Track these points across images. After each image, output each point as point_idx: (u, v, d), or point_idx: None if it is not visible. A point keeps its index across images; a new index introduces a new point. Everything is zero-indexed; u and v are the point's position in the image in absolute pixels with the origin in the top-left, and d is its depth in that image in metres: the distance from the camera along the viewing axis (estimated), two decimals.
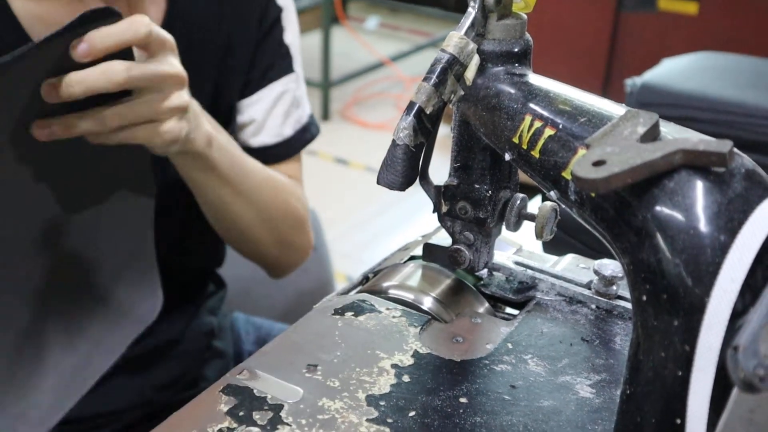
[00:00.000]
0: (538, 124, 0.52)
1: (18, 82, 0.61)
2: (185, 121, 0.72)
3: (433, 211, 0.66)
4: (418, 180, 0.63)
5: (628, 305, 0.68)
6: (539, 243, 0.91)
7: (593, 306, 0.69)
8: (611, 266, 0.68)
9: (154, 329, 0.92)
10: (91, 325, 0.78)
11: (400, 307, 0.67)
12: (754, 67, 1.36)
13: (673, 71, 1.34)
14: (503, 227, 0.66)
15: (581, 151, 0.48)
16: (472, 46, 0.57)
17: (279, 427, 0.54)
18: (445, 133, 0.56)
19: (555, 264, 0.75)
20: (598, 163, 0.41)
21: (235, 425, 0.54)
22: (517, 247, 0.78)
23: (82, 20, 0.60)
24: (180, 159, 0.78)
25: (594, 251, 0.88)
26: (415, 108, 0.56)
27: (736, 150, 0.42)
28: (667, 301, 0.42)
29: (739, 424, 0.40)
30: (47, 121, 0.64)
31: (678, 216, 0.41)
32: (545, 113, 0.53)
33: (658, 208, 0.42)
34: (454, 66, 0.57)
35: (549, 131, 0.51)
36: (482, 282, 0.71)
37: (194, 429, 0.54)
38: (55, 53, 0.61)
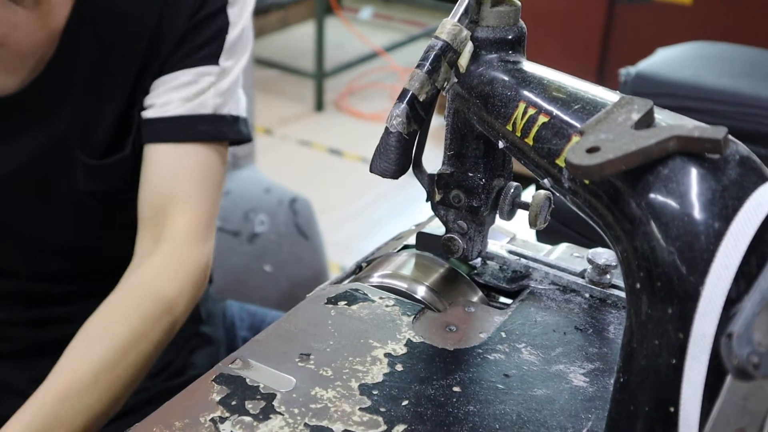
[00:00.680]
0: (531, 111, 0.52)
1: None
2: None
3: (427, 200, 0.66)
4: (411, 168, 0.62)
5: (622, 294, 0.68)
6: (533, 232, 0.91)
7: (587, 295, 0.69)
8: (605, 255, 0.68)
9: None
10: None
11: (393, 296, 0.67)
12: (748, 57, 1.36)
13: (668, 60, 1.34)
14: (497, 216, 0.66)
15: (575, 138, 0.48)
16: (466, 33, 0.57)
17: (271, 416, 0.54)
18: (438, 122, 0.56)
19: (549, 253, 0.75)
20: (592, 150, 0.41)
21: (227, 414, 0.54)
22: (511, 236, 0.78)
23: None
24: None
25: (588, 240, 0.88)
26: (408, 95, 0.56)
27: (730, 137, 0.42)
28: (661, 288, 0.42)
29: (733, 411, 0.40)
30: None
31: (672, 203, 0.41)
32: (539, 100, 0.52)
33: (652, 195, 0.42)
34: (447, 53, 0.56)
35: (543, 118, 0.51)
36: (476, 271, 0.71)
37: (186, 418, 0.54)
38: None
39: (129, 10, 0.81)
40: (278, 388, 0.56)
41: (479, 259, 0.72)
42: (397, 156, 0.57)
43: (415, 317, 0.64)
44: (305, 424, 0.53)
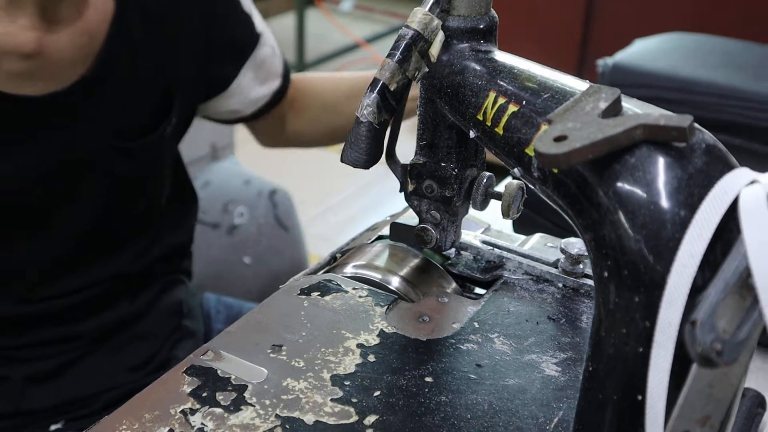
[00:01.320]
0: (501, 100, 0.52)
1: None
2: None
3: (400, 190, 0.65)
4: (384, 158, 0.62)
5: None
6: (509, 222, 0.91)
7: (560, 285, 0.69)
8: (578, 245, 0.68)
9: (118, 305, 0.91)
10: None
11: (366, 286, 0.66)
12: (724, 48, 1.37)
13: (645, 51, 1.34)
14: (470, 206, 0.66)
15: (543, 127, 0.48)
16: (437, 22, 0.56)
17: (242, 407, 0.53)
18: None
19: (522, 243, 0.75)
20: (559, 139, 0.41)
21: (198, 406, 0.53)
22: (485, 227, 0.78)
23: None
24: None
25: (563, 230, 0.88)
26: (379, 84, 0.56)
27: (696, 125, 0.42)
28: (629, 277, 0.42)
29: (698, 399, 0.40)
30: None
31: (639, 191, 0.41)
32: (509, 90, 0.52)
33: (619, 183, 0.42)
34: (418, 42, 0.56)
35: (512, 107, 0.51)
36: (449, 261, 0.71)
37: (156, 410, 0.53)
38: None
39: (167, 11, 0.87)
40: (250, 379, 0.56)
41: (453, 250, 0.72)
42: (368, 146, 0.57)
43: (388, 308, 0.64)
44: (276, 416, 0.53)
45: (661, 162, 0.41)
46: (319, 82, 1.08)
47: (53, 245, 0.86)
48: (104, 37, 0.82)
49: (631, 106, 0.45)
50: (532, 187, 0.51)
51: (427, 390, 0.56)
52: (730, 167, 0.41)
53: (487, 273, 0.70)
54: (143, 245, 0.94)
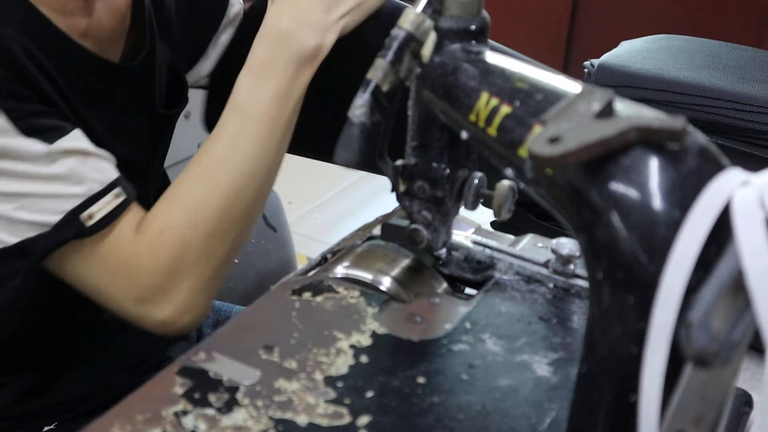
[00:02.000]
0: (494, 102, 0.52)
1: None
2: None
3: (392, 191, 0.65)
4: (376, 159, 0.62)
5: (586, 284, 0.69)
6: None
7: (551, 285, 0.69)
8: (569, 245, 0.68)
9: None
10: None
11: (358, 287, 0.66)
12: (708, 50, 1.38)
13: (631, 53, 1.35)
14: (461, 207, 0.66)
15: (537, 129, 0.48)
16: (429, 22, 0.56)
17: (235, 409, 0.53)
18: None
19: (513, 243, 0.75)
20: (553, 140, 0.41)
21: (190, 407, 0.53)
22: (476, 227, 0.78)
23: None
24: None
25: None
26: (372, 85, 0.56)
27: (689, 127, 0.42)
28: (623, 278, 0.42)
29: (692, 399, 0.40)
30: None
31: (633, 192, 0.41)
32: (502, 91, 0.52)
33: (613, 184, 0.42)
34: (410, 43, 0.56)
35: (506, 109, 0.51)
36: (441, 262, 0.71)
37: (149, 412, 0.53)
38: None
39: None
40: (242, 380, 0.56)
41: (444, 250, 0.72)
42: (360, 146, 0.57)
43: (380, 308, 0.64)
44: (269, 417, 0.53)
45: (654, 163, 0.41)
46: None
47: None
48: (130, 20, 0.84)
49: (625, 107, 0.45)
50: (526, 188, 0.51)
51: (419, 391, 0.56)
52: (722, 168, 0.42)
53: (478, 273, 0.70)
54: None
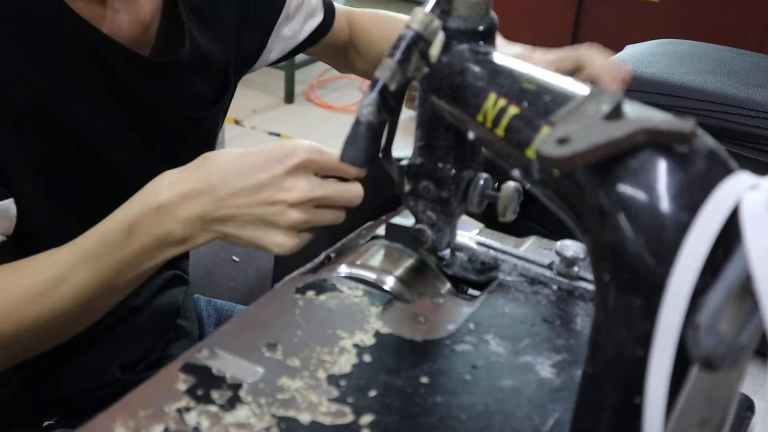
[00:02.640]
0: (502, 102, 0.52)
1: None
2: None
3: (396, 190, 0.65)
4: (381, 158, 0.62)
5: (589, 286, 0.68)
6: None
7: (554, 287, 0.69)
8: (573, 247, 0.68)
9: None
10: None
11: (362, 286, 0.66)
12: (714, 54, 1.38)
13: (636, 57, 1.35)
14: (467, 207, 0.66)
15: (545, 129, 0.48)
16: (437, 23, 0.56)
17: (237, 406, 0.53)
18: (408, 115, 0.56)
19: (518, 245, 0.75)
20: (562, 141, 0.41)
21: (193, 404, 0.53)
22: (480, 228, 0.78)
23: None
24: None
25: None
26: (379, 84, 0.55)
27: (698, 130, 0.42)
28: (630, 280, 0.42)
29: (698, 401, 0.40)
30: None
31: (641, 195, 0.41)
32: (510, 92, 0.52)
33: (621, 186, 0.42)
34: (418, 43, 0.56)
35: (513, 109, 0.51)
36: (445, 262, 0.71)
37: (151, 408, 0.53)
38: None
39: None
40: (245, 377, 0.56)
41: (448, 251, 0.72)
42: (367, 145, 0.57)
43: (383, 308, 0.64)
44: (272, 415, 0.53)
45: (663, 166, 0.41)
46: (375, 26, 1.15)
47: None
48: (157, 27, 0.85)
49: (633, 109, 0.45)
50: (533, 189, 0.51)
51: (422, 391, 0.56)
52: (731, 171, 0.41)
53: (482, 274, 0.70)
54: None
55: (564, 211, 0.47)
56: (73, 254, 0.73)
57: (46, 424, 0.88)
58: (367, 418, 0.53)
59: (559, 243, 0.69)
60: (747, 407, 0.69)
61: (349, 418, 0.53)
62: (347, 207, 0.67)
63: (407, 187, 0.65)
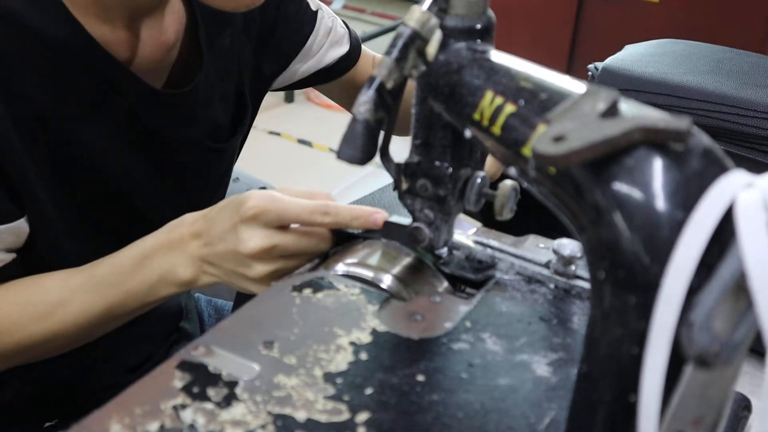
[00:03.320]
0: (499, 100, 0.52)
1: None
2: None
3: (394, 189, 0.65)
4: (378, 156, 0.62)
5: (586, 285, 0.69)
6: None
7: (552, 285, 0.69)
8: (570, 246, 0.68)
9: None
10: None
11: (358, 284, 0.66)
12: (712, 54, 1.38)
13: (635, 56, 1.35)
14: (464, 205, 0.66)
15: (541, 128, 0.48)
16: (435, 21, 0.56)
17: (234, 403, 0.53)
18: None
19: (515, 243, 0.75)
20: (558, 139, 0.41)
21: (189, 401, 0.53)
22: (477, 226, 0.78)
23: None
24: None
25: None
26: (376, 82, 0.56)
27: (694, 128, 0.42)
28: (625, 278, 0.42)
29: (692, 400, 0.40)
30: None
31: (636, 193, 0.41)
32: (506, 90, 0.52)
33: (616, 184, 0.42)
34: (415, 41, 0.56)
35: (510, 107, 0.51)
36: (442, 261, 0.71)
37: (147, 405, 0.53)
38: None
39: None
40: (241, 375, 0.56)
41: (445, 249, 0.72)
42: (363, 143, 0.57)
43: (380, 306, 0.64)
44: (268, 412, 0.53)
45: (658, 164, 0.41)
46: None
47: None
48: (178, 52, 0.84)
49: (630, 107, 0.45)
50: (529, 187, 0.51)
51: (419, 389, 0.56)
52: (726, 170, 0.42)
53: (479, 273, 0.70)
54: None
55: (560, 209, 0.47)
56: (85, 279, 0.73)
57: (47, 425, 0.89)
58: (363, 416, 0.53)
59: (556, 242, 0.69)
60: (744, 406, 0.69)
61: (345, 416, 0.53)
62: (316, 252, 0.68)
63: (404, 186, 0.65)
